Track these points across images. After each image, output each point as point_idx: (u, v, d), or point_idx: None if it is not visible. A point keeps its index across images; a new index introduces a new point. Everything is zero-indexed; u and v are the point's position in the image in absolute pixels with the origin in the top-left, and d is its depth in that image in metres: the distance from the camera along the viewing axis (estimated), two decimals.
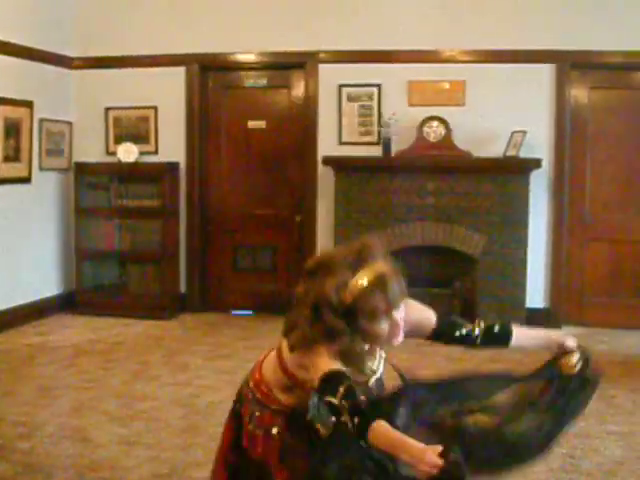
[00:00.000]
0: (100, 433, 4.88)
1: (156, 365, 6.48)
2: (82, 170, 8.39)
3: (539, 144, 7.68)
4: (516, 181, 7.52)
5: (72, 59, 8.50)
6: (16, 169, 7.70)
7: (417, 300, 2.88)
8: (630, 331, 7.70)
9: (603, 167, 7.86)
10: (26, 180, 7.89)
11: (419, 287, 7.72)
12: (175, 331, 7.75)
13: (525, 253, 7.52)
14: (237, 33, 8.19)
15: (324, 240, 8.08)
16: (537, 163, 7.44)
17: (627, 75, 7.79)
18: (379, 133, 7.93)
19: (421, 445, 2.24)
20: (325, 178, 8.06)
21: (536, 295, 7.82)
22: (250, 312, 8.43)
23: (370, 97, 8.04)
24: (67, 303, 8.47)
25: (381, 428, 2.33)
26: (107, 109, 8.57)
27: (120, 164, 8.35)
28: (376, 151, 7.90)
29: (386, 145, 7.78)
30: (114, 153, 8.43)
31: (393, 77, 7.92)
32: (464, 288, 7.74)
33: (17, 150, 7.69)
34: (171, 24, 8.33)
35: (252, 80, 8.47)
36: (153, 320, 8.03)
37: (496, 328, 3.09)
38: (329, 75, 8.08)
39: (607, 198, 7.89)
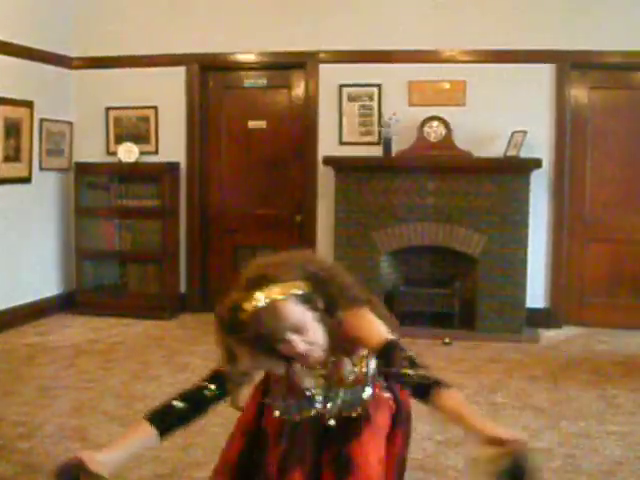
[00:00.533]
0: (100, 433, 4.88)
1: (156, 365, 6.48)
2: (82, 170, 8.39)
3: (539, 144, 7.68)
4: (516, 181, 7.51)
5: (72, 59, 8.51)
6: (16, 169, 7.71)
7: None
8: (630, 331, 7.69)
9: (603, 167, 7.86)
10: (26, 180, 7.89)
11: (419, 287, 7.79)
12: (175, 331, 7.75)
13: (525, 253, 7.51)
14: (237, 33, 8.19)
15: (324, 240, 8.08)
16: (537, 163, 7.43)
17: (627, 75, 7.78)
18: (379, 133, 7.93)
19: None
20: (325, 178, 8.06)
21: (536, 295, 7.82)
22: None
23: (370, 97, 8.04)
24: (67, 303, 8.47)
25: None
26: (107, 109, 8.57)
27: (120, 164, 8.35)
28: (376, 151, 7.90)
29: (386, 145, 7.78)
30: (114, 153, 8.43)
31: (393, 77, 7.92)
32: (464, 288, 7.74)
33: (17, 150, 7.69)
34: (171, 24, 8.33)
35: (252, 80, 8.47)
36: (153, 320, 8.03)
37: (415, 378, 2.53)
38: (329, 75, 8.08)
39: (607, 198, 7.88)
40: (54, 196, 8.44)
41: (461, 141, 7.71)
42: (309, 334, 2.57)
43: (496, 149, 7.66)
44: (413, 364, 2.55)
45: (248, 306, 2.51)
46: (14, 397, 5.56)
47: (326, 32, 8.03)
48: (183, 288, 8.58)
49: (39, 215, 8.18)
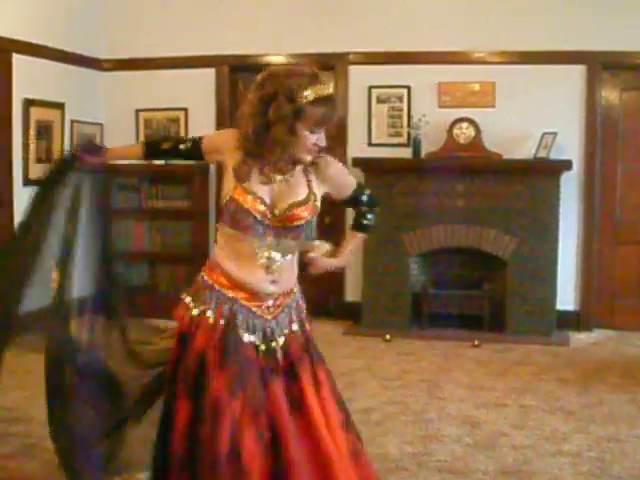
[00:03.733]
0: (128, 433, 4.89)
1: None
2: (112, 171, 8.40)
3: (570, 146, 7.63)
4: (546, 183, 7.47)
5: (103, 61, 8.56)
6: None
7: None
8: None
9: (634, 169, 7.80)
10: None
11: (449, 289, 7.75)
12: None
13: (555, 255, 7.47)
14: (267, 35, 8.20)
15: None
16: (568, 165, 7.40)
17: None
18: (409, 134, 7.92)
19: None
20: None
21: (566, 297, 7.77)
22: None
23: (400, 98, 8.03)
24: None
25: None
26: (137, 111, 8.61)
27: (150, 165, 8.36)
28: (406, 153, 7.89)
29: (416, 147, 7.77)
30: None
31: (423, 78, 7.90)
32: (494, 290, 7.70)
33: (49, 151, 7.75)
34: (201, 26, 8.35)
35: None
36: None
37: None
38: (359, 77, 8.07)
39: (638, 200, 7.81)
40: (84, 197, 8.47)
41: (491, 143, 7.68)
42: (323, 140, 2.98)
43: (526, 151, 7.63)
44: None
45: (321, 91, 2.89)
46: (44, 397, 5.59)
47: (355, 34, 8.02)
48: None
49: None
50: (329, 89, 2.92)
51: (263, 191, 2.98)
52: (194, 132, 8.42)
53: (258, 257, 2.99)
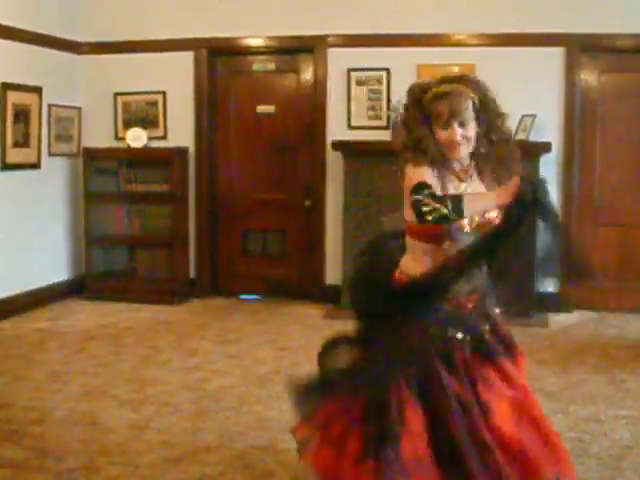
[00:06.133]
0: (110, 418, 4.90)
1: (166, 350, 6.50)
2: (91, 155, 8.39)
3: (549, 128, 7.64)
4: (525, 165, 7.39)
5: (81, 44, 8.49)
6: (25, 154, 7.72)
7: None
8: None
9: (613, 151, 7.82)
10: (35, 166, 7.90)
11: None
12: (184, 316, 7.77)
13: (534, 237, 7.47)
14: (246, 17, 8.16)
15: (333, 224, 8.07)
16: (547, 147, 7.40)
17: (638, 58, 7.71)
18: (388, 117, 7.91)
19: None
20: (334, 162, 8.04)
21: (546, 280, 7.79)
22: (258, 297, 8.41)
23: (379, 81, 8.01)
24: (76, 288, 8.48)
25: (469, 196, 3.06)
26: (116, 94, 8.55)
27: (129, 149, 8.35)
28: (385, 135, 7.88)
29: (395, 129, 7.76)
30: (123, 138, 8.43)
31: (402, 61, 7.88)
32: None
33: (26, 136, 7.70)
34: (179, 9, 8.30)
35: (260, 64, 8.45)
36: (162, 305, 8.04)
37: None
38: (338, 59, 8.05)
39: (617, 182, 7.84)
40: (63, 181, 8.45)
41: None
42: (467, 131, 3.18)
43: None
44: None
45: (437, 89, 3.20)
46: (25, 382, 5.59)
47: (334, 16, 7.99)
48: (192, 273, 8.58)
49: (48, 200, 8.19)
50: (447, 88, 3.19)
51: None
52: (173, 116, 8.44)
53: None
